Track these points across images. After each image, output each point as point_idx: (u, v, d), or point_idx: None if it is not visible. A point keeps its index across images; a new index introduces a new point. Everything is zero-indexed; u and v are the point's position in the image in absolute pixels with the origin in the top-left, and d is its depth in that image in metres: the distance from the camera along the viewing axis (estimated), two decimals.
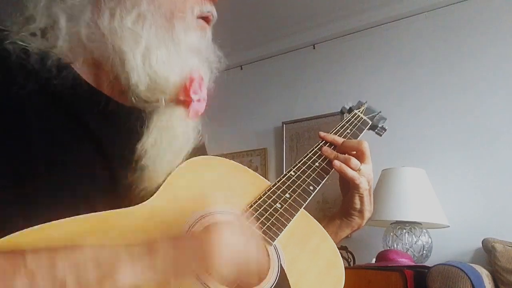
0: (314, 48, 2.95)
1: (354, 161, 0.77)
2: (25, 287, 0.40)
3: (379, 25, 2.70)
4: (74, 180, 0.53)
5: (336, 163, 0.77)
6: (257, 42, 3.07)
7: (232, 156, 3.01)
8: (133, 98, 0.58)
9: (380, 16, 2.68)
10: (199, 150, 0.67)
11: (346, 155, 0.78)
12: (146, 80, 0.57)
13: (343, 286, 0.61)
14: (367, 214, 0.80)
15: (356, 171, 0.76)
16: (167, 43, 0.59)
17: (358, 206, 0.78)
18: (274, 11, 2.77)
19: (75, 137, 0.56)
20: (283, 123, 2.96)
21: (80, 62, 0.59)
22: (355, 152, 0.79)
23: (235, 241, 0.50)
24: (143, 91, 0.58)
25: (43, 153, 0.52)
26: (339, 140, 0.82)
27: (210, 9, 0.65)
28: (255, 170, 2.99)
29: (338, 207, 0.83)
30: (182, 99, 0.60)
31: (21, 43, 0.54)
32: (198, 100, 0.61)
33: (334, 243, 0.68)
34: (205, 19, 0.65)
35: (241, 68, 3.18)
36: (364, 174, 0.77)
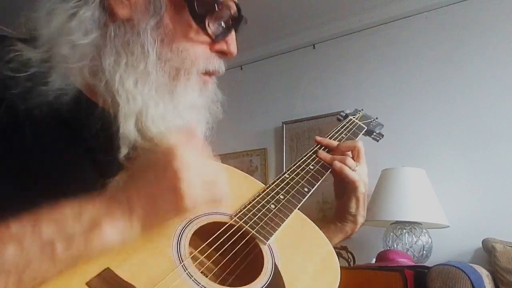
0: (314, 48, 2.95)
1: (350, 161, 0.78)
2: (15, 253, 0.40)
3: (379, 25, 2.69)
4: (66, 187, 0.53)
5: (336, 164, 0.77)
6: (257, 42, 3.07)
7: (232, 156, 3.02)
8: (120, 151, 0.57)
9: (380, 16, 2.68)
10: None
11: (343, 156, 0.79)
12: (136, 137, 0.56)
13: (338, 285, 0.61)
14: (361, 220, 0.80)
15: (353, 170, 0.77)
16: (166, 103, 0.58)
17: (353, 210, 0.79)
18: (274, 11, 2.78)
19: (69, 144, 0.56)
20: (283, 123, 2.96)
21: (78, 84, 0.58)
22: (351, 155, 0.80)
23: (197, 163, 0.50)
24: (126, 151, 0.56)
25: (37, 161, 0.52)
26: (334, 143, 0.83)
27: (218, 66, 0.63)
28: (255, 170, 3.00)
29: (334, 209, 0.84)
30: None
31: (10, 73, 0.53)
32: None
33: (329, 244, 0.68)
34: (210, 74, 0.63)
35: (241, 68, 3.18)
36: (360, 176, 0.77)
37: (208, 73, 0.63)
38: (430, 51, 2.50)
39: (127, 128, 0.56)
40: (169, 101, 0.58)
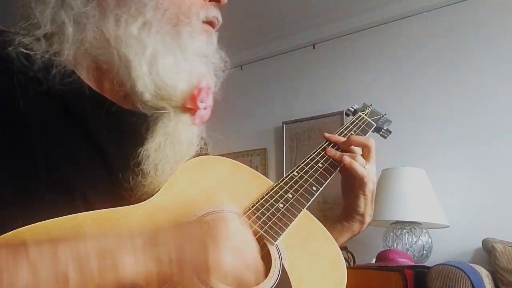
0: (314, 48, 2.95)
1: (360, 158, 0.77)
2: (28, 280, 0.40)
3: (379, 25, 2.70)
4: (73, 181, 0.53)
5: (346, 158, 0.76)
6: (257, 42, 3.07)
7: (232, 156, 3.00)
8: (139, 105, 0.58)
9: (380, 16, 2.68)
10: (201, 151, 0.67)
11: (352, 153, 0.78)
12: (152, 88, 0.57)
13: (345, 286, 0.61)
14: (368, 219, 0.79)
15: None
16: (174, 50, 0.59)
17: (361, 209, 0.78)
18: (274, 11, 2.77)
19: (76, 140, 0.55)
20: (283, 123, 2.96)
21: (83, 67, 0.58)
22: (360, 153, 0.79)
23: (239, 236, 0.48)
24: (149, 98, 0.57)
25: (43, 155, 0.52)
26: (344, 140, 0.82)
27: (215, 14, 0.64)
28: (255, 170, 2.99)
29: (338, 207, 0.83)
30: (189, 106, 0.60)
31: (23, 49, 0.54)
32: (205, 108, 0.61)
33: (336, 244, 0.67)
34: (210, 23, 0.64)
35: (241, 68, 3.18)
36: (368, 173, 0.76)
37: (208, 22, 0.64)
38: (430, 51, 2.50)
39: (142, 78, 0.56)
40: (177, 48, 0.59)
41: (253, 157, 3.04)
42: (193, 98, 0.60)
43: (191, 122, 0.61)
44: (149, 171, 0.57)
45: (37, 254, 0.41)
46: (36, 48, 0.55)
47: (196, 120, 0.61)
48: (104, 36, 0.57)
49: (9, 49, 0.53)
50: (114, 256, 0.43)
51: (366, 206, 0.78)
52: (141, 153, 0.57)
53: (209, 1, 0.64)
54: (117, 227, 0.51)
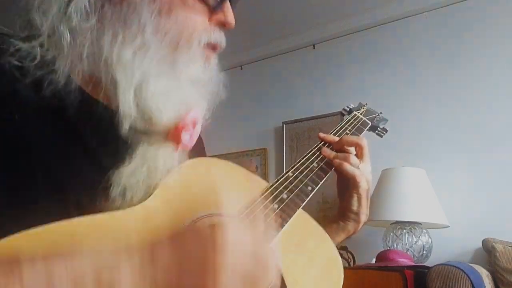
0: (314, 48, 2.95)
1: (353, 159, 0.77)
2: None
3: (379, 25, 2.70)
4: (67, 187, 0.52)
5: (336, 161, 0.76)
6: (257, 42, 3.07)
7: (232, 156, 3.01)
8: (121, 128, 0.56)
9: (380, 16, 2.68)
10: (197, 153, 0.67)
11: (346, 153, 0.78)
12: (135, 114, 0.55)
13: (341, 286, 0.61)
14: (363, 218, 0.79)
15: (356, 168, 0.76)
16: (168, 75, 0.57)
17: (355, 208, 0.78)
18: (274, 11, 2.77)
19: (70, 144, 0.55)
20: (283, 123, 2.96)
21: (82, 76, 0.57)
22: (354, 152, 0.79)
23: (244, 241, 0.45)
24: (127, 129, 0.55)
25: (36, 160, 0.51)
26: (338, 139, 0.82)
27: (219, 38, 0.62)
28: (255, 170, 3.00)
29: (337, 208, 0.83)
30: (173, 135, 0.58)
31: (17, 62, 0.52)
32: (190, 137, 0.59)
33: (333, 243, 0.67)
34: (213, 47, 0.62)
35: (241, 68, 3.18)
36: (363, 174, 0.76)
37: (210, 46, 0.62)
38: (430, 51, 2.50)
39: (126, 103, 0.54)
40: (171, 73, 0.57)
41: (253, 157, 3.04)
42: (177, 128, 0.58)
43: (174, 149, 0.59)
44: (120, 193, 0.54)
45: (31, 274, 0.39)
46: (30, 58, 0.53)
47: (179, 148, 0.59)
48: (100, 52, 0.55)
49: (2, 61, 0.52)
50: (111, 278, 0.41)
51: (360, 205, 0.77)
52: (115, 175, 0.55)
53: (214, 24, 0.61)
54: (113, 239, 0.49)
